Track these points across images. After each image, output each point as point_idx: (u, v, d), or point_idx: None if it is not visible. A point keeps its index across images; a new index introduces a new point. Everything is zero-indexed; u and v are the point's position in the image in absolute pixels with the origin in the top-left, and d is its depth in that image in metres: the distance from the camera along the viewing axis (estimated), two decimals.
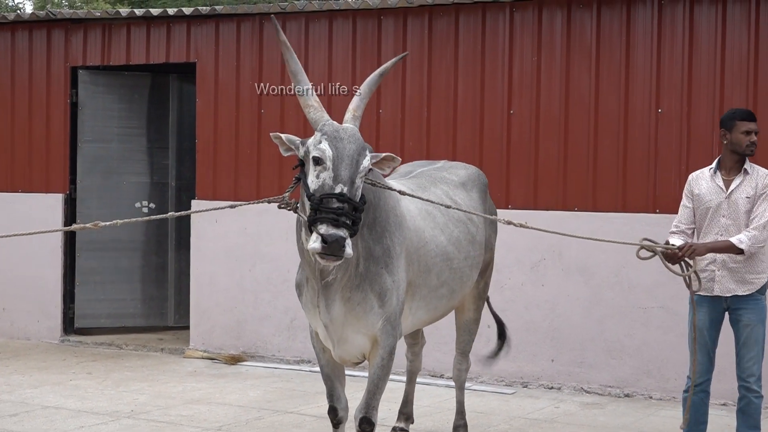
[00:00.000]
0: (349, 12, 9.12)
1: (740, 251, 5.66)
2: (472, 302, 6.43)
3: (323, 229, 4.46)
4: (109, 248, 10.37)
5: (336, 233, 4.44)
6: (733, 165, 5.88)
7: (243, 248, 9.51)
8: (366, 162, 4.70)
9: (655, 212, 7.98)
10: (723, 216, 5.81)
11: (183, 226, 10.28)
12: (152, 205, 10.61)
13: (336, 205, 4.49)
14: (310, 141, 4.72)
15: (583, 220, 8.16)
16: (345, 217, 4.49)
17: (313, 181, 4.63)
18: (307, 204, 4.62)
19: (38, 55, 10.44)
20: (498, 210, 7.10)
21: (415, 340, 6.61)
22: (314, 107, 4.85)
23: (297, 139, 4.83)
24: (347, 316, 5.05)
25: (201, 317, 9.77)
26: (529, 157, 8.50)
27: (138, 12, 9.93)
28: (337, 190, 4.54)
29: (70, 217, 10.32)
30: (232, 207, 5.37)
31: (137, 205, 10.55)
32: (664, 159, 8.07)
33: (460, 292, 5.99)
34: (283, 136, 4.85)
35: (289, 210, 4.90)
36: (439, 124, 8.81)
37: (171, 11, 9.75)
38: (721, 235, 5.78)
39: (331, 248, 4.43)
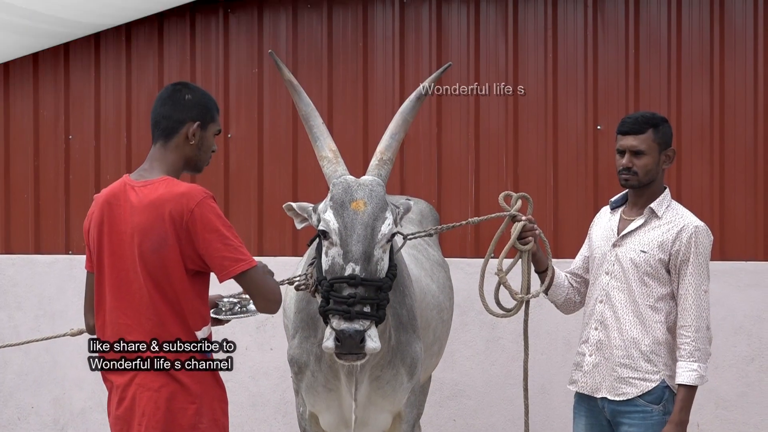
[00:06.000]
0: None
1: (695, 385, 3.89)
2: None
3: (335, 323, 3.61)
4: None
5: (349, 328, 3.57)
6: (633, 199, 4.14)
7: None
8: (386, 227, 3.75)
9: None
10: (606, 273, 4.09)
11: None
12: None
13: (347, 292, 3.61)
14: (321, 206, 3.84)
15: None
16: (360, 305, 3.60)
17: (325, 260, 3.75)
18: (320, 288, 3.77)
19: None
20: None
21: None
22: (328, 158, 3.90)
23: (309, 206, 3.91)
24: (372, 396, 4.21)
25: None
26: None
27: None
28: (348, 271, 3.64)
29: None
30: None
31: None
32: None
33: (444, 348, 5.21)
34: (294, 205, 3.92)
35: (309, 292, 3.93)
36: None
37: None
38: (602, 302, 4.07)
39: (346, 346, 3.57)
